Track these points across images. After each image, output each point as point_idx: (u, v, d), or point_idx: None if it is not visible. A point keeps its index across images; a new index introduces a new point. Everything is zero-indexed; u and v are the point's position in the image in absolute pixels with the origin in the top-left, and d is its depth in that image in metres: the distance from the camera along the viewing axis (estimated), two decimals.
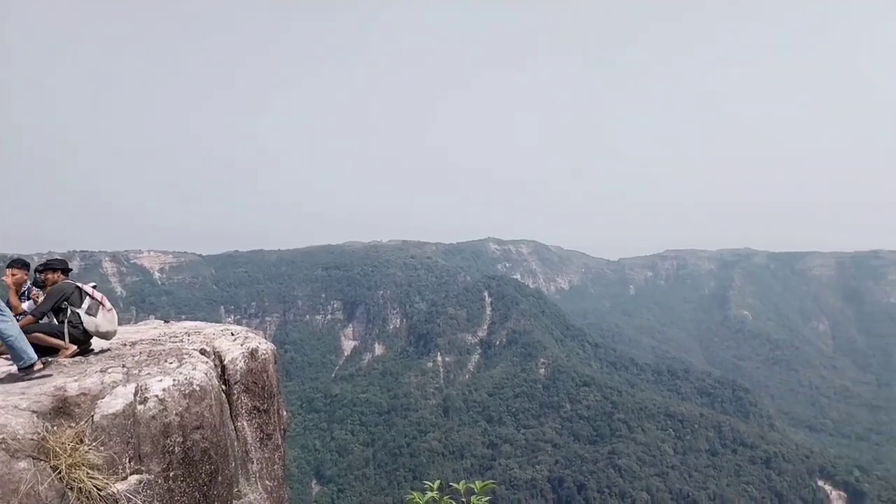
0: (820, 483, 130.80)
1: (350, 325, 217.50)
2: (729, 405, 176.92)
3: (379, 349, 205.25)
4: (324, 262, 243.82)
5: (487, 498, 8.38)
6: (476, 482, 8.67)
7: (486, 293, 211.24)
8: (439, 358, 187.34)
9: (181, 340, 9.11)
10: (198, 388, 6.94)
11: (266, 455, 9.14)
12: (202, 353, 8.22)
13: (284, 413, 10.95)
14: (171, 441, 6.38)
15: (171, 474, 6.31)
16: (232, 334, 9.81)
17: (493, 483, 8.65)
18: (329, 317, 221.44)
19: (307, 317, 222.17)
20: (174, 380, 6.75)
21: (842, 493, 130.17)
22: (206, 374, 7.30)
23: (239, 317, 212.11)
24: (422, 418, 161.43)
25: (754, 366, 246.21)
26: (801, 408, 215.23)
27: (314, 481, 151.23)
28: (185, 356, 7.76)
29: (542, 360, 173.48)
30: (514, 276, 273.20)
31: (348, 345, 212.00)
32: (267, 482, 8.89)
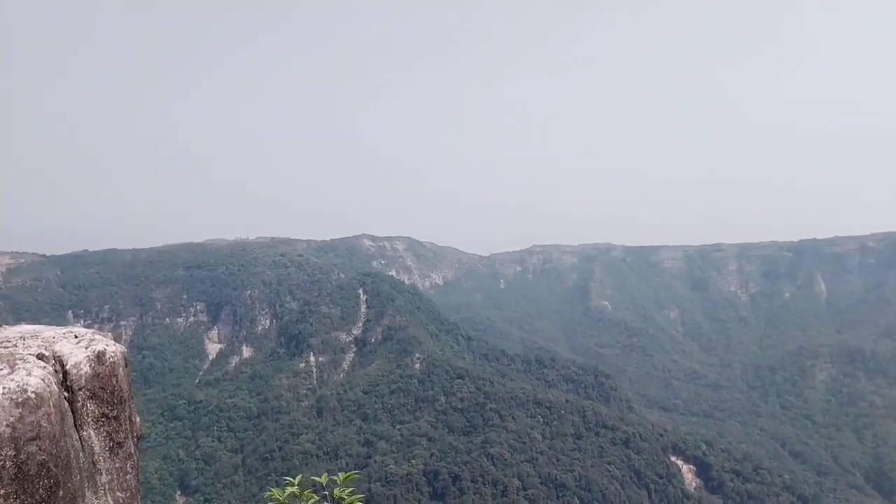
0: (673, 459, 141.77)
1: (215, 327, 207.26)
2: (592, 390, 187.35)
3: (247, 352, 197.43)
4: (185, 262, 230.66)
5: (351, 489, 8.22)
6: (339, 474, 8.65)
7: (360, 290, 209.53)
8: (312, 358, 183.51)
9: (14, 345, 8.00)
10: (33, 396, 6.09)
11: (117, 465, 8.23)
12: (40, 358, 7.24)
13: (138, 419, 9.92)
14: (1, 455, 5.57)
15: (2, 492, 5.48)
16: (76, 337, 8.74)
17: (355, 473, 8.44)
18: (192, 319, 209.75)
19: (167, 320, 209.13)
20: (4, 387, 5.89)
21: (691, 466, 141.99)
22: (43, 380, 6.42)
23: (90, 321, 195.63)
24: (294, 420, 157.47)
25: (614, 352, 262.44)
26: (655, 390, 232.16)
27: (178, 492, 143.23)
28: (19, 362, 6.79)
29: (417, 355, 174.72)
30: (390, 273, 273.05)
31: (213, 348, 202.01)
32: (118, 493, 8.00)
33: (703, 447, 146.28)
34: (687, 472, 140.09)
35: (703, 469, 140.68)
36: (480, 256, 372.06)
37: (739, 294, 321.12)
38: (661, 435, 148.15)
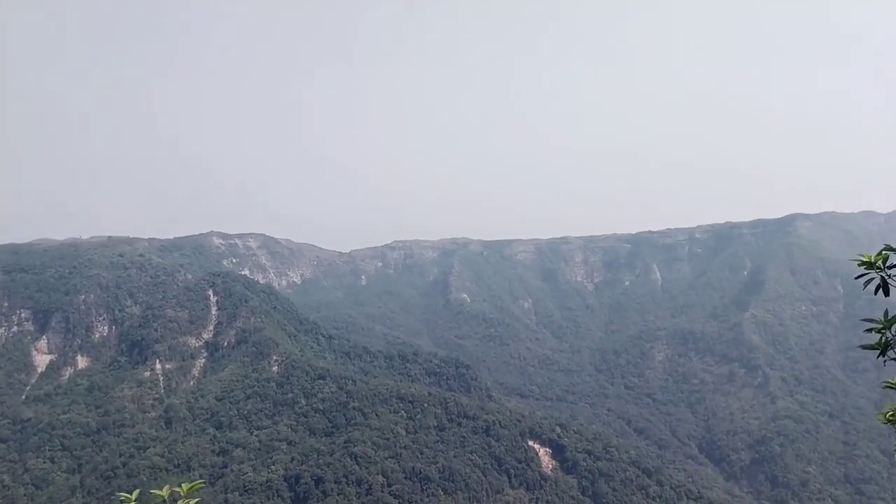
0: (530, 443, 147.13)
1: (44, 336, 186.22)
2: (454, 382, 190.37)
3: (83, 362, 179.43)
4: (6, 265, 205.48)
5: (196, 500, 7.67)
6: (183, 485, 7.83)
7: (210, 292, 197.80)
8: (158, 366, 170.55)
9: None
10: None
11: None
12: None
13: None
14: None
15: None
16: None
17: (200, 483, 7.69)
18: (15, 329, 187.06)
19: None
20: None
21: (547, 449, 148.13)
22: None
23: None
24: (140, 434, 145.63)
25: (473, 343, 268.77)
26: (513, 377, 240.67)
27: None
28: None
29: (275, 357, 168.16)
30: (243, 272, 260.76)
31: (42, 360, 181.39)
32: None
33: (558, 430, 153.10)
34: (544, 454, 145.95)
35: (558, 451, 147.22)
36: (340, 253, 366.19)
37: (585, 283, 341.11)
38: (519, 421, 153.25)
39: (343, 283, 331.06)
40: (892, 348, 5.27)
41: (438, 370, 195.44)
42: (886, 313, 5.32)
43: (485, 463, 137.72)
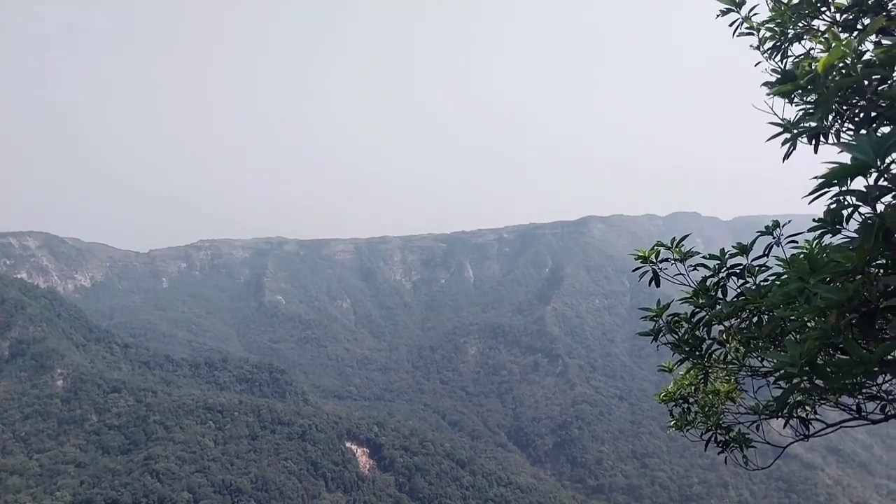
0: (348, 444, 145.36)
1: None
2: (267, 388, 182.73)
3: None
4: None
5: None
6: None
7: None
8: None
9: None
10: None
11: None
12: None
13: None
14: None
15: None
16: None
17: None
18: None
19: None
20: None
21: (365, 449, 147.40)
22: None
23: None
24: None
25: (289, 347, 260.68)
26: (330, 379, 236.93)
27: None
28: None
29: (59, 370, 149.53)
30: (19, 276, 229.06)
31: None
32: None
33: (375, 429, 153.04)
34: (361, 455, 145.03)
35: (375, 450, 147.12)
36: (137, 253, 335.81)
37: (404, 282, 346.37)
38: (336, 423, 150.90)
39: (141, 286, 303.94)
40: (663, 334, 5.76)
41: (250, 377, 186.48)
42: (659, 302, 5.86)
43: (301, 469, 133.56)
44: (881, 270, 3.74)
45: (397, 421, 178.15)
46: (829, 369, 3.77)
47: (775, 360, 3.95)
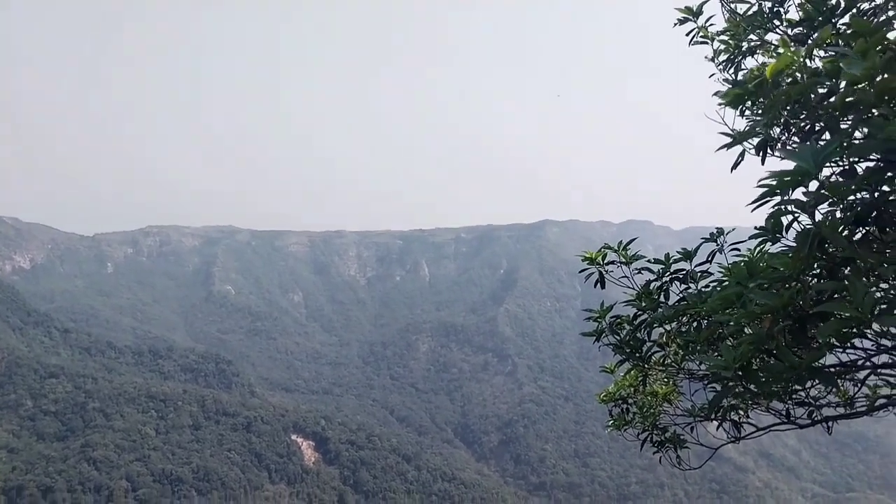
0: (294, 437, 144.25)
1: None
2: (213, 378, 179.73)
3: None
4: None
5: None
6: None
7: None
8: None
9: None
10: None
11: None
12: None
13: None
14: None
15: None
16: None
17: None
18: None
19: None
20: None
21: (311, 442, 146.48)
22: None
23: None
24: None
25: (237, 338, 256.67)
26: (278, 372, 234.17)
27: None
28: None
29: None
30: None
31: None
32: None
33: (322, 423, 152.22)
34: (307, 448, 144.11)
35: (321, 443, 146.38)
36: (82, 236, 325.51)
37: (358, 277, 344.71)
38: (283, 415, 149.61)
39: (84, 271, 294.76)
40: (605, 335, 5.88)
41: (196, 366, 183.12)
42: (602, 304, 6.00)
43: (244, 460, 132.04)
44: (816, 280, 3.87)
45: (345, 415, 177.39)
46: (761, 374, 3.87)
47: (711, 364, 4.06)
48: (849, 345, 4.20)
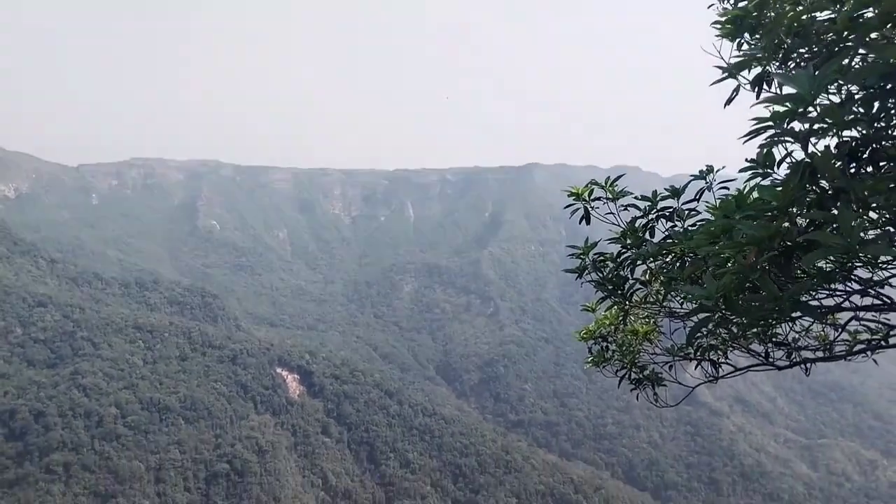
0: (278, 370, 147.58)
1: None
2: (199, 311, 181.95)
3: None
4: None
5: None
6: None
7: None
8: None
9: None
10: None
11: None
12: None
13: None
14: None
15: None
16: None
17: None
18: None
19: None
20: None
21: (295, 375, 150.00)
22: None
23: None
24: None
25: (222, 273, 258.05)
26: (263, 307, 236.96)
27: None
28: None
29: None
30: None
31: None
32: None
33: (307, 357, 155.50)
34: (291, 381, 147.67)
35: (305, 377, 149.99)
36: (66, 167, 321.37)
37: (343, 216, 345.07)
38: (268, 349, 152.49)
39: (70, 202, 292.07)
40: (588, 272, 5.94)
41: (182, 299, 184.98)
42: (587, 241, 5.99)
43: (230, 391, 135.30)
44: (805, 211, 3.72)
45: (329, 350, 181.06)
46: (743, 304, 3.74)
47: (693, 295, 3.95)
48: (832, 286, 4.17)
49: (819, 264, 3.91)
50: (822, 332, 5.33)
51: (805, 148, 3.42)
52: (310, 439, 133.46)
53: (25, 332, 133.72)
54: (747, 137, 3.56)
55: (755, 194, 3.84)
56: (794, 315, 4.19)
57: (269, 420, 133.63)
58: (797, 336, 5.21)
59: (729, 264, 3.74)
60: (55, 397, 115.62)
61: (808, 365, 5.30)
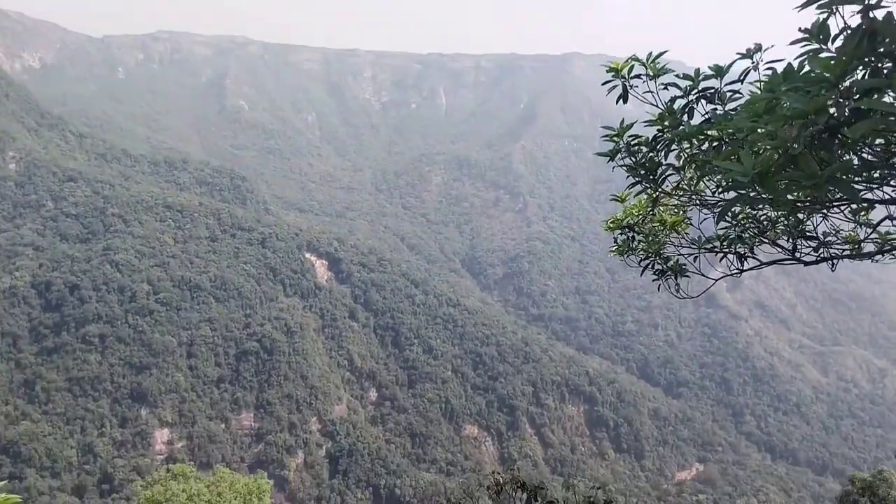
0: (307, 255, 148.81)
1: None
2: (228, 193, 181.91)
3: None
4: None
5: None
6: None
7: None
8: None
9: None
10: None
11: None
12: None
13: None
14: None
15: None
16: None
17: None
18: None
19: None
20: None
21: (324, 261, 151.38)
22: None
23: None
24: None
25: (251, 155, 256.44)
26: (292, 192, 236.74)
27: None
28: None
29: (11, 153, 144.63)
30: None
31: None
32: None
33: (335, 244, 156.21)
34: (320, 266, 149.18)
35: (334, 263, 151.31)
36: (91, 38, 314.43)
37: (373, 101, 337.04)
38: (297, 234, 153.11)
39: (95, 74, 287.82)
40: (621, 156, 5.57)
41: (211, 180, 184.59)
42: (622, 122, 5.53)
43: (259, 273, 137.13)
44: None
45: (357, 238, 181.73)
46: (779, 182, 3.36)
47: (727, 172, 3.52)
48: (872, 173, 3.60)
49: (862, 154, 3.58)
50: (853, 233, 5.02)
51: (866, 15, 3.11)
52: (337, 322, 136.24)
53: (57, 206, 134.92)
54: (802, 6, 3.35)
55: (806, 68, 3.51)
56: (829, 199, 3.98)
57: (297, 303, 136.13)
58: (827, 231, 4.98)
59: (769, 141, 3.55)
60: (88, 272, 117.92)
61: (835, 262, 5.05)
